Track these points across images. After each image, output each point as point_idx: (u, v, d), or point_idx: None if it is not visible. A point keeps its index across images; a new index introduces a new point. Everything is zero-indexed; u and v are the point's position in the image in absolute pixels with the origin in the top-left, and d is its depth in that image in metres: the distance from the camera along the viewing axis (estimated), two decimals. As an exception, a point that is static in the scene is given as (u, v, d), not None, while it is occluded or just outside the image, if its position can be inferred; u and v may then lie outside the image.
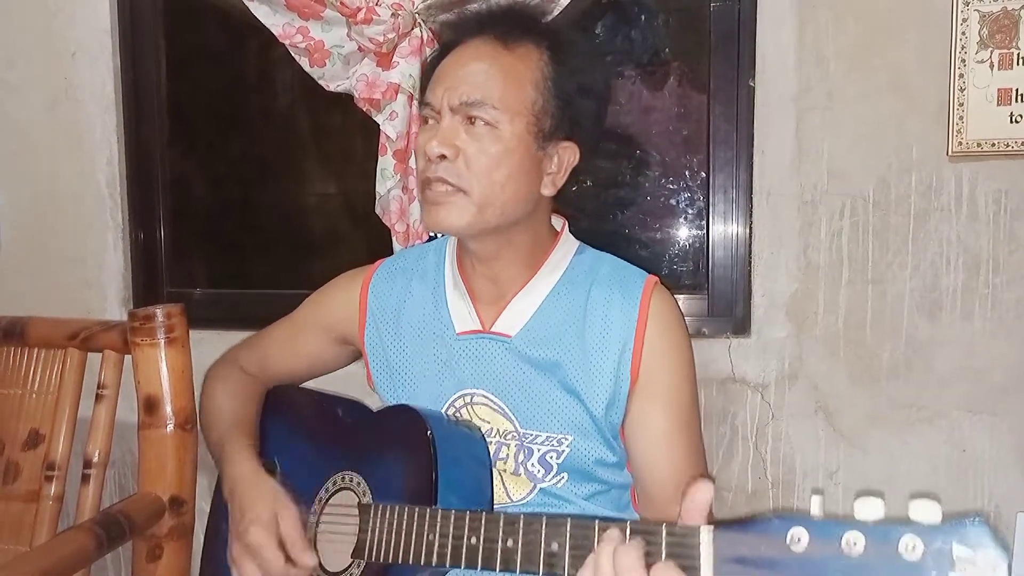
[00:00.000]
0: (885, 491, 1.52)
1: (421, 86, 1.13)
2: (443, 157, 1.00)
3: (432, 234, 1.56)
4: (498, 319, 1.08)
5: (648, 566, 0.69)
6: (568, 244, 1.12)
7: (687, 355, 1.07)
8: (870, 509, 0.60)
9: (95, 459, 1.34)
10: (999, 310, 1.46)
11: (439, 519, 0.89)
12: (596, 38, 1.70)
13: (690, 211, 1.69)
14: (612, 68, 1.67)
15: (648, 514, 1.07)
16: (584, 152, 1.08)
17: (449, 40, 1.10)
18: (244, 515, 1.02)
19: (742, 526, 0.66)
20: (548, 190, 1.06)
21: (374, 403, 1.18)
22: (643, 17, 1.70)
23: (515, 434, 1.06)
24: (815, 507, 0.64)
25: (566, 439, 1.04)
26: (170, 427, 1.30)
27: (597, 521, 0.77)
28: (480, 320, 1.09)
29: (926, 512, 0.58)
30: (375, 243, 1.59)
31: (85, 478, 1.34)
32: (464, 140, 1.00)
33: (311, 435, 1.16)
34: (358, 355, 1.19)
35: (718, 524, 0.68)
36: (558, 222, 1.15)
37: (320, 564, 1.04)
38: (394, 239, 1.55)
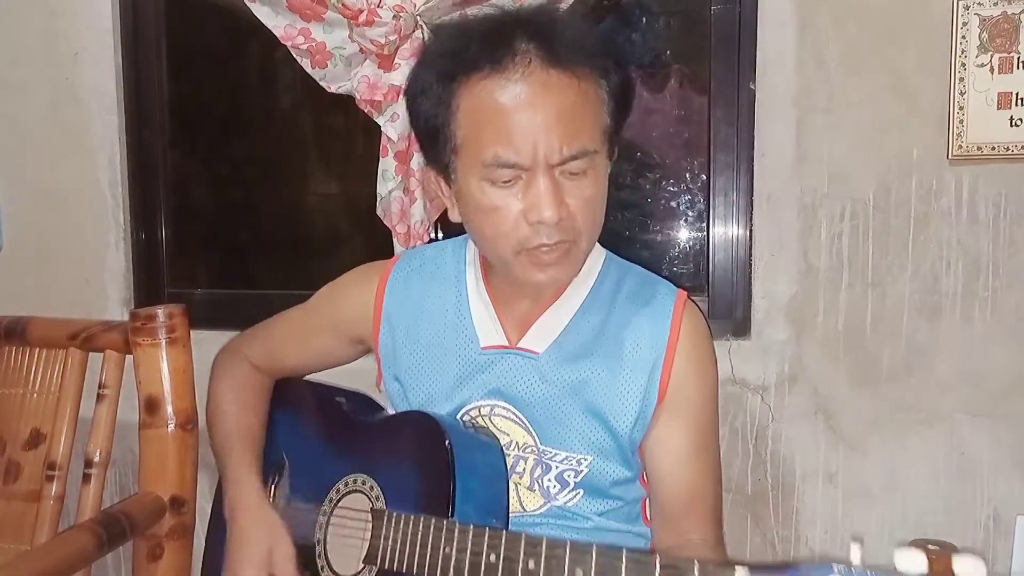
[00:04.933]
0: (885, 494, 1.53)
1: (441, 123, 0.94)
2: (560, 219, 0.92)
3: (433, 236, 1.56)
4: (526, 335, 1.04)
5: None
6: (596, 253, 1.09)
7: (714, 374, 1.05)
8: (911, 561, 0.59)
9: (96, 459, 1.35)
10: (999, 313, 1.46)
11: (457, 533, 0.88)
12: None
13: (691, 213, 1.69)
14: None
15: (661, 527, 1.05)
16: None
17: (466, 65, 0.92)
18: (240, 547, 1.03)
19: (777, 570, 0.65)
20: None
21: (383, 400, 1.18)
22: (644, 20, 1.70)
23: (534, 449, 1.03)
24: (855, 555, 0.63)
25: (586, 459, 1.02)
26: (171, 427, 1.31)
27: (624, 551, 0.76)
28: (506, 335, 1.05)
29: (971, 569, 0.58)
30: (376, 244, 1.59)
31: (86, 478, 1.35)
32: (568, 192, 0.92)
33: (323, 433, 1.15)
34: (370, 350, 1.16)
35: (753, 566, 0.68)
36: None
37: (330, 566, 1.04)
38: (395, 240, 1.56)
